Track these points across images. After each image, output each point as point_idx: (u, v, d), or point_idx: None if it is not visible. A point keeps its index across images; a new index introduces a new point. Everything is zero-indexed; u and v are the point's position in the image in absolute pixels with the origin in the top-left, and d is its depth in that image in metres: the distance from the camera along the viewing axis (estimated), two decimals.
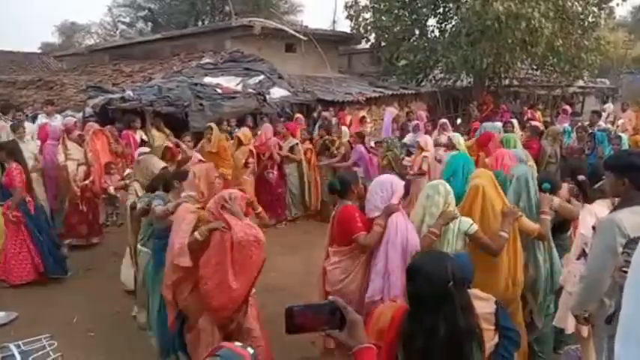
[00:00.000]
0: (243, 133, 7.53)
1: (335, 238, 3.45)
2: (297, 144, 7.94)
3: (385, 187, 3.26)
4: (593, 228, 2.68)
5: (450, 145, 6.59)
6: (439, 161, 6.30)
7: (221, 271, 3.13)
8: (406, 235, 3.08)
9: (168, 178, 4.17)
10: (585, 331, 3.06)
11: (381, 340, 2.02)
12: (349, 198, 3.45)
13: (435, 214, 3.13)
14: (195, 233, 3.21)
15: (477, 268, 2.57)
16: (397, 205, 3.20)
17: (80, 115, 8.82)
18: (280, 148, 7.91)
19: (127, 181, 4.29)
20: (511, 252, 3.22)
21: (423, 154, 7.02)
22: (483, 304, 2.15)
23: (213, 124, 7.48)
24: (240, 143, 7.40)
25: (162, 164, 4.80)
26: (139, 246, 4.21)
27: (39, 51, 27.32)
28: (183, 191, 3.82)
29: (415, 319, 1.88)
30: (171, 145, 6.55)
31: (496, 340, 2.20)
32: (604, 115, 10.79)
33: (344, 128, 8.92)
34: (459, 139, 6.68)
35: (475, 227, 3.13)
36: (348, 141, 8.31)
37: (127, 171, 5.32)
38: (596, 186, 3.43)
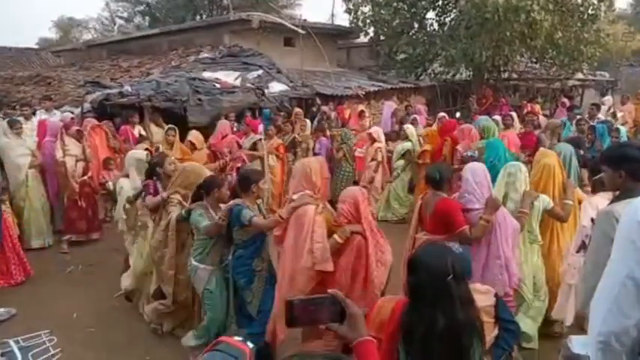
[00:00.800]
0: (196, 137, 6.93)
1: (429, 226, 3.50)
2: (260, 140, 7.39)
3: (478, 174, 3.39)
4: (592, 221, 2.68)
5: (404, 136, 7.52)
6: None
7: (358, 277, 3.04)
8: (512, 225, 3.32)
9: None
10: (586, 323, 3.06)
11: (382, 332, 2.03)
12: (444, 190, 3.51)
13: (520, 191, 3.51)
14: (335, 236, 3.02)
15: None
16: (499, 199, 3.40)
17: (78, 110, 8.79)
18: (240, 145, 7.41)
19: (165, 195, 4.08)
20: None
21: (376, 144, 7.46)
22: (483, 298, 2.16)
23: (173, 126, 6.97)
24: (194, 148, 6.84)
25: (207, 172, 4.48)
26: (194, 262, 3.80)
27: (36, 46, 27.21)
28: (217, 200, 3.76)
29: (414, 311, 1.89)
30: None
31: (496, 332, 2.20)
32: (604, 107, 10.76)
33: (308, 122, 9.08)
34: (412, 130, 7.55)
35: (552, 203, 3.59)
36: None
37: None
38: (595, 178, 3.44)
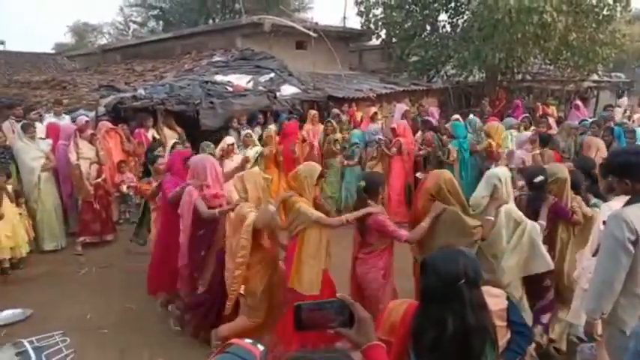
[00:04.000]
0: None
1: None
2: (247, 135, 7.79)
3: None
4: (604, 223, 2.64)
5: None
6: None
7: None
8: None
9: None
10: (599, 329, 3.01)
11: (393, 335, 2.01)
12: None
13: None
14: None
15: None
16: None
17: (93, 114, 8.90)
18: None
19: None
20: None
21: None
22: (496, 301, 2.13)
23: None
24: None
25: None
26: None
27: (52, 51, 27.66)
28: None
29: (425, 314, 1.87)
30: None
31: (508, 336, 2.18)
32: (619, 109, 10.61)
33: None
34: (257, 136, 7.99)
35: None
36: None
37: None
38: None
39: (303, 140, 8.34)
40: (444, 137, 7.65)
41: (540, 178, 3.65)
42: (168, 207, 4.34)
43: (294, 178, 3.84)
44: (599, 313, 2.56)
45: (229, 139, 6.77)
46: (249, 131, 7.83)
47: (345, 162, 8.09)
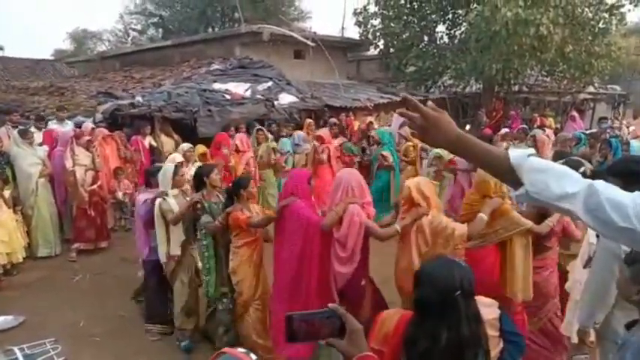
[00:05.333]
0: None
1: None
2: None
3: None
4: (597, 236, 2.65)
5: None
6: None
7: None
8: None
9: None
10: (593, 337, 3.01)
11: (386, 345, 2.00)
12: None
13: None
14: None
15: None
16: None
17: (90, 120, 8.91)
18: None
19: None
20: None
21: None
22: (488, 311, 2.12)
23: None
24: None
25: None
26: None
27: (51, 58, 27.71)
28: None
29: (419, 325, 1.86)
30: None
31: (501, 345, 2.17)
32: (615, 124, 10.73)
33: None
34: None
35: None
36: None
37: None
38: None
39: (237, 150, 7.64)
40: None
41: None
42: (304, 236, 3.62)
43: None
44: (592, 322, 2.58)
45: (186, 146, 6.78)
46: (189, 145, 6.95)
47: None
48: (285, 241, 3.70)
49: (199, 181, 4.21)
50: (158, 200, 4.22)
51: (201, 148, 7.02)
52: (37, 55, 32.45)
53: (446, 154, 6.45)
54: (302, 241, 3.59)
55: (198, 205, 4.08)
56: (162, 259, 4.28)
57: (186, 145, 6.79)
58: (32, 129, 7.06)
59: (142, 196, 4.50)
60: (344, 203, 3.46)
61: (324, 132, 8.06)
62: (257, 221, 3.83)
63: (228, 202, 3.99)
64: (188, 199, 4.26)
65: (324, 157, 7.49)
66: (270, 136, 8.29)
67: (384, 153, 7.50)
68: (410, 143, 7.63)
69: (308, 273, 3.58)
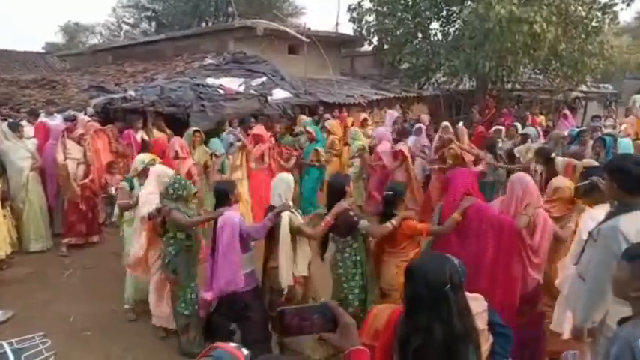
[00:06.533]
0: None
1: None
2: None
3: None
4: (589, 234, 2.66)
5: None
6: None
7: None
8: None
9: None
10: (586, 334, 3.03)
11: (377, 340, 2.01)
12: None
13: None
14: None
15: None
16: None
17: (82, 114, 8.82)
18: None
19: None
20: None
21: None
22: (476, 304, 2.14)
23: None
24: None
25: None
26: None
27: (43, 51, 27.40)
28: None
29: (411, 320, 1.87)
30: None
31: (491, 339, 2.18)
32: (609, 122, 10.78)
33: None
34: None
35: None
36: None
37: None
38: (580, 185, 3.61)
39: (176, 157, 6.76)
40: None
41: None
42: (498, 237, 3.54)
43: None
44: (589, 322, 2.58)
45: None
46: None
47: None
48: (468, 242, 3.59)
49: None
50: (287, 215, 3.79)
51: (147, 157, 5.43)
52: (29, 48, 32.08)
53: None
54: (494, 241, 3.49)
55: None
56: (287, 283, 3.76)
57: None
58: (24, 122, 6.99)
59: (229, 215, 3.87)
60: (531, 207, 3.42)
61: (260, 129, 7.69)
62: (437, 229, 3.71)
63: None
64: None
65: (266, 159, 7.36)
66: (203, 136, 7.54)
67: (319, 149, 7.63)
68: (335, 137, 7.71)
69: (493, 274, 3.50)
